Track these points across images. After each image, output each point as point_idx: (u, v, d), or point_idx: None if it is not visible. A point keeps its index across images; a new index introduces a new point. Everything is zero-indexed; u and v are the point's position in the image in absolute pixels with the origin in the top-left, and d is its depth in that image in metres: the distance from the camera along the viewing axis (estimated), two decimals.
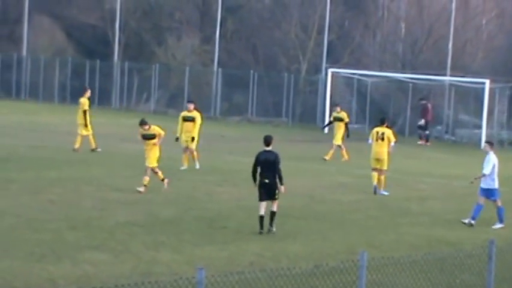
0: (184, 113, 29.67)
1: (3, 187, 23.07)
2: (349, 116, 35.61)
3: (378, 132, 26.43)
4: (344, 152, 33.87)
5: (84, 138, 31.51)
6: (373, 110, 49.94)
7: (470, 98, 49.05)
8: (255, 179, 19.14)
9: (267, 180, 19.11)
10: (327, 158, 33.52)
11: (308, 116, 52.84)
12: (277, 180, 19.12)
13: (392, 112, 50.39)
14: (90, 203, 21.49)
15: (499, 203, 21.80)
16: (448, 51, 50.58)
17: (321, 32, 53.89)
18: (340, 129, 34.19)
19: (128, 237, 17.69)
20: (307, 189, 26.20)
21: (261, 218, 18.96)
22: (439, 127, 49.56)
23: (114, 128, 41.54)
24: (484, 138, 46.35)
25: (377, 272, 12.64)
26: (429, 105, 46.38)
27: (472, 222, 21.43)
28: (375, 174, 26.02)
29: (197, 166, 28.91)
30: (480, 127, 46.60)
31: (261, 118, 52.20)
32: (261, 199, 19.14)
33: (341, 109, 35.36)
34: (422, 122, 45.59)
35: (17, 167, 26.88)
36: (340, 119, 34.46)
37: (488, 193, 21.68)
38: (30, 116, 46.08)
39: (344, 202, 24.13)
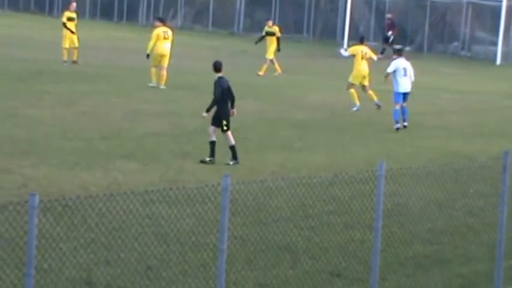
0: (163, 30, 27.51)
1: (38, 98, 23.17)
2: (281, 30, 33.86)
3: (362, 51, 25.71)
4: (276, 66, 32.24)
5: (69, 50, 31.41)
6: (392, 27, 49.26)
7: (487, 15, 48.40)
8: (212, 107, 17.05)
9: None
10: (260, 73, 32.00)
11: (328, 33, 52.39)
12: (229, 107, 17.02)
13: (411, 29, 49.85)
14: (120, 114, 21.56)
15: (404, 104, 22.44)
16: None
17: None
18: (272, 44, 32.65)
19: (156, 146, 17.79)
20: (328, 103, 26.14)
21: (231, 147, 16.81)
22: (455, 43, 49.05)
23: (141, 44, 41.35)
24: (499, 55, 45.92)
25: (394, 182, 12.66)
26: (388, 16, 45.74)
27: (405, 124, 22.04)
28: (354, 91, 24.85)
29: (162, 86, 26.73)
30: (496, 44, 46.07)
31: (282, 35, 51.76)
32: (229, 127, 16.96)
33: (273, 23, 34.11)
34: (389, 33, 44.80)
35: (51, 80, 26.94)
36: (272, 34, 33.03)
37: (406, 97, 22.50)
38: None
39: (363, 116, 24.06)
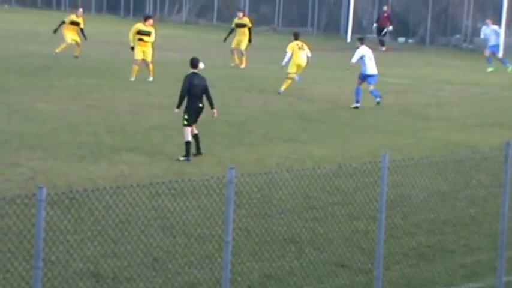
0: (140, 26, 27.16)
1: (46, 93, 23.17)
2: (251, 21, 32.66)
3: (298, 44, 26.46)
4: (243, 58, 31.25)
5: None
6: (394, 20, 49.25)
7: (489, 7, 48.25)
8: (181, 102, 16.92)
9: (201, 105, 17.02)
10: (242, 66, 31.26)
11: (332, 27, 52.34)
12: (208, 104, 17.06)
13: (413, 22, 49.75)
14: (126, 107, 21.55)
15: (372, 87, 24.40)
16: None
17: None
18: (244, 36, 31.39)
19: (162, 139, 17.77)
20: (331, 95, 26.10)
21: (189, 143, 16.61)
22: (458, 36, 48.94)
23: None
24: (502, 47, 45.79)
25: (397, 173, 12.62)
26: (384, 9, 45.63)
27: (357, 105, 23.79)
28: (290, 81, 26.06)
29: (151, 79, 26.59)
30: (499, 35, 45.91)
31: (286, 28, 51.73)
32: (190, 124, 16.83)
33: (244, 15, 32.61)
34: (390, 28, 44.68)
35: (58, 75, 26.93)
36: (243, 25, 31.72)
37: (368, 78, 24.49)
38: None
39: (366, 108, 24.01)
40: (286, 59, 26.33)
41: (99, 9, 56.33)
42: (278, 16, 52.83)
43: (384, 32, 44.39)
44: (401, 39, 49.65)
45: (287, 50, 26.58)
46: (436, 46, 46.44)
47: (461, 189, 14.33)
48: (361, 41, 25.14)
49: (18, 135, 17.34)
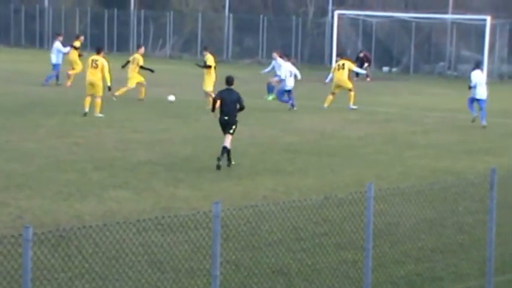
0: (91, 59, 27.10)
1: (32, 131, 23.19)
2: (215, 59, 30.52)
3: (339, 64, 30.89)
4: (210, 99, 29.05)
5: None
6: (378, 49, 49.64)
7: (472, 35, 48.69)
8: (214, 110, 19.61)
9: (226, 118, 19.19)
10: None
11: (316, 58, 52.68)
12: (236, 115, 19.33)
13: (396, 51, 50.09)
14: (112, 144, 21.58)
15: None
16: None
17: None
18: (208, 75, 29.61)
19: (149, 175, 17.79)
20: (317, 126, 26.22)
21: (223, 148, 19.07)
22: (442, 63, 49.30)
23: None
24: (485, 73, 46.11)
25: (385, 202, 12.70)
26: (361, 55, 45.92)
27: (293, 107, 29.77)
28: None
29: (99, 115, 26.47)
30: (482, 62, 46.29)
31: (270, 60, 51.98)
32: (223, 133, 19.48)
33: (209, 52, 30.36)
34: (366, 65, 45.24)
35: (44, 112, 26.97)
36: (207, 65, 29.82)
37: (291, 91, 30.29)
38: None
39: (353, 137, 24.14)
40: (328, 78, 31.53)
41: (83, 47, 56.47)
42: (262, 48, 53.13)
43: (364, 66, 44.80)
44: (385, 69, 50.02)
45: (331, 71, 31.62)
46: (420, 74, 46.79)
47: (449, 217, 14.39)
48: (288, 57, 30.85)
49: (5, 174, 17.34)
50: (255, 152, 21.16)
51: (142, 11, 56.38)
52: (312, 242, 12.72)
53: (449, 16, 49.22)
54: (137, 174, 17.85)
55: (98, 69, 26.89)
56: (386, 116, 29.39)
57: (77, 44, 36.86)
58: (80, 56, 35.97)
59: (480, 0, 51.52)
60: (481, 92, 27.14)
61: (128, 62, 31.58)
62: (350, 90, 30.77)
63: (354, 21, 51.11)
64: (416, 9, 50.17)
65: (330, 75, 31.38)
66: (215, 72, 29.64)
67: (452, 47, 49.46)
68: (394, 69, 49.71)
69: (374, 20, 50.35)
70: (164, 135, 23.42)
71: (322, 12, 53.96)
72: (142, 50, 32.57)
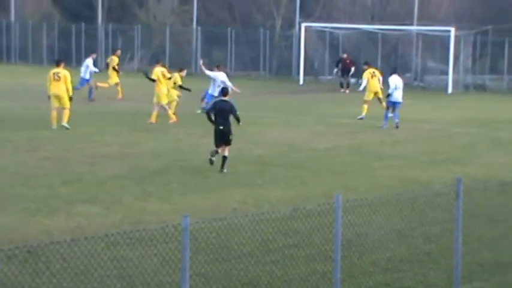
0: (53, 72, 26.92)
1: (0, 146, 22.99)
2: (168, 72, 30.00)
3: (370, 72, 32.12)
4: (155, 113, 28.78)
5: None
6: (345, 61, 49.77)
7: (437, 46, 49.07)
8: (211, 120, 20.25)
9: (221, 127, 20.03)
10: (152, 121, 28.79)
11: (284, 69, 52.82)
12: (232, 125, 20.17)
13: (364, 62, 50.28)
14: (81, 158, 21.45)
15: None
16: (414, 1, 50.43)
17: None
18: (158, 86, 29.09)
19: (118, 189, 17.70)
20: (286, 138, 26.24)
21: (211, 161, 20.08)
22: (408, 74, 49.60)
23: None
24: (450, 84, 46.51)
25: (353, 213, 12.73)
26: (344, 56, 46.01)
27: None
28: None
29: (65, 124, 26.50)
30: (447, 73, 46.69)
31: (239, 72, 52.07)
32: (217, 145, 20.12)
33: (162, 65, 30.19)
34: (336, 70, 45.34)
35: (12, 127, 26.76)
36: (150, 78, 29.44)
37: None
38: (22, 78, 45.76)
39: (320, 149, 24.19)
40: (363, 86, 32.20)
41: (51, 61, 56.23)
42: (230, 61, 53.17)
43: (350, 73, 44.88)
44: (353, 80, 50.15)
45: (364, 77, 32.40)
46: (387, 85, 46.92)
47: (417, 226, 14.44)
48: (218, 67, 31.10)
49: None
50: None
51: (110, 25, 56.23)
52: (282, 254, 12.71)
53: (414, 28, 49.58)
54: (106, 188, 17.75)
55: (61, 81, 26.86)
56: (354, 127, 29.49)
57: (115, 59, 37.81)
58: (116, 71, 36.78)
59: (445, 12, 51.96)
60: (398, 96, 29.53)
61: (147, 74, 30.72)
62: (380, 98, 31.75)
63: (320, 33, 51.31)
64: (382, 21, 50.48)
65: (364, 82, 32.13)
66: (179, 82, 29.91)
67: (418, 58, 49.81)
68: (361, 81, 49.94)
69: (341, 32, 50.59)
70: (133, 148, 23.33)
71: (290, 24, 54.14)
72: (160, 65, 31.05)
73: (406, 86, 47.40)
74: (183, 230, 8.31)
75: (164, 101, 29.08)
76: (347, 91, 44.24)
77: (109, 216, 15.21)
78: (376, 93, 31.97)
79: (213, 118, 20.14)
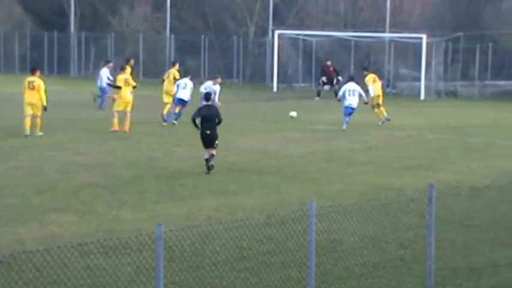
0: (28, 80, 26.88)
1: None
2: (134, 79, 29.83)
3: (373, 77, 33.17)
4: (116, 120, 28.52)
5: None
6: (318, 68, 49.98)
7: (409, 53, 49.36)
8: (196, 126, 20.80)
9: (208, 132, 20.70)
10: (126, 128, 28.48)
11: (258, 77, 52.89)
12: (217, 128, 20.86)
13: (337, 69, 50.46)
14: (54, 167, 21.34)
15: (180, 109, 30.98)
16: (386, 9, 50.71)
17: None
18: (127, 93, 28.89)
19: (92, 198, 17.62)
20: (259, 145, 26.26)
21: (206, 160, 20.82)
22: (380, 81, 49.80)
23: (73, 96, 41.19)
24: (423, 90, 46.78)
25: (327, 220, 12.75)
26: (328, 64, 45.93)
27: (175, 122, 30.66)
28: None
29: (39, 133, 26.65)
30: (419, 80, 46.97)
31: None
32: (205, 147, 20.91)
33: (125, 71, 29.89)
34: (324, 78, 45.44)
35: None
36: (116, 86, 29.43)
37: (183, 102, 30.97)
38: None
39: (294, 156, 24.23)
40: (371, 91, 33.04)
41: (23, 70, 55.98)
42: (204, 69, 53.15)
43: (335, 82, 44.86)
44: (326, 87, 50.27)
45: (369, 83, 33.31)
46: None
47: (390, 232, 14.49)
48: (187, 75, 31.75)
49: None
50: (199, 172, 21.11)
51: (83, 33, 56.05)
52: (256, 261, 12.70)
53: (387, 35, 49.83)
54: (80, 197, 17.66)
55: (36, 90, 26.80)
56: (327, 133, 29.57)
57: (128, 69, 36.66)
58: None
59: (416, 19, 52.28)
60: (352, 101, 30.67)
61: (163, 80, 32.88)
62: (379, 103, 33.25)
63: (294, 40, 51.44)
64: (355, 28, 50.71)
65: (371, 88, 33.28)
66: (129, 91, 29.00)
67: (390, 65, 50.07)
68: (334, 88, 50.07)
69: (314, 39, 50.74)
70: (107, 157, 23.24)
71: (263, 32, 54.24)
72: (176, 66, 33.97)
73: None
74: (157, 238, 8.29)
75: (129, 108, 28.70)
76: (316, 98, 44.13)
77: (83, 225, 15.14)
78: (378, 97, 33.38)
79: (198, 124, 20.69)
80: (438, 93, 48.79)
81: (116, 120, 28.50)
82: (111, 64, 37.58)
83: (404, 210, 14.46)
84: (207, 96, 21.39)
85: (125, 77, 29.34)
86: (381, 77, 34.75)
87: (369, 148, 26.29)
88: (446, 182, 19.62)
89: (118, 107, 28.78)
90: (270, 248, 13.30)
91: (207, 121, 20.60)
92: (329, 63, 45.92)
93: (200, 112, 20.78)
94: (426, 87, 47.17)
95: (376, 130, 30.80)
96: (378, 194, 18.02)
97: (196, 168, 21.59)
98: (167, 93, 32.16)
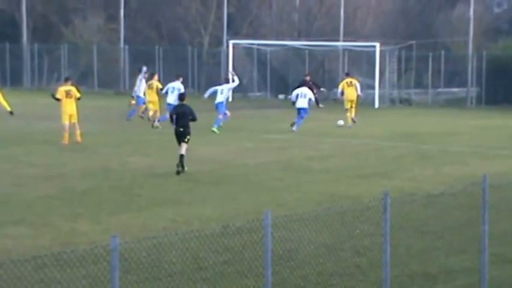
0: None
1: None
2: (79, 90, 29.16)
3: (347, 82, 35.40)
4: (66, 134, 28.22)
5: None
6: (273, 77, 50.15)
7: (363, 61, 49.72)
8: (172, 122, 22.64)
9: (181, 129, 22.41)
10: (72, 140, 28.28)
11: (212, 86, 52.79)
12: (189, 127, 22.43)
13: (292, 78, 50.67)
14: (8, 180, 21.11)
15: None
16: (340, 17, 51.03)
17: (220, 5, 53.76)
18: (70, 105, 28.31)
19: (47, 210, 17.46)
20: (215, 155, 26.23)
21: (181, 156, 22.18)
22: (335, 89, 50.08)
23: (27, 108, 40.80)
24: (377, 98, 47.11)
25: (284, 229, 12.76)
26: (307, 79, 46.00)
27: (157, 124, 32.81)
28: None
29: None
30: (373, 87, 47.30)
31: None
32: (178, 143, 22.50)
33: (71, 83, 29.30)
34: (322, 89, 45.60)
35: None
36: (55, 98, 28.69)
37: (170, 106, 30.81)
38: None
39: (251, 165, 24.24)
40: (338, 95, 36.21)
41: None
42: (159, 78, 52.94)
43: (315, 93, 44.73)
44: (281, 96, 50.51)
45: (340, 87, 35.70)
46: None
47: (346, 240, 14.55)
48: (179, 77, 33.55)
49: None
50: (155, 182, 21.03)
51: (36, 45, 55.60)
52: (213, 271, 12.68)
53: (340, 44, 50.14)
54: (34, 209, 17.49)
55: None
56: (282, 143, 29.64)
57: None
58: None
59: (369, 28, 52.69)
60: (302, 103, 33.26)
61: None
62: (354, 107, 35.47)
63: (248, 50, 51.52)
64: (309, 37, 50.95)
65: (340, 90, 36.08)
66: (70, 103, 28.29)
67: (344, 74, 50.34)
68: (289, 97, 50.29)
69: (268, 49, 50.88)
70: (62, 169, 23.05)
71: (217, 42, 54.27)
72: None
73: (334, 101, 48.06)
74: (112, 250, 8.23)
75: (74, 119, 28.21)
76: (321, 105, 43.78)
77: (38, 238, 14.99)
78: (352, 102, 35.45)
79: (174, 120, 22.43)
80: (392, 101, 49.20)
81: (66, 134, 28.23)
82: (181, 78, 35.63)
83: (360, 218, 14.53)
84: (181, 96, 23.41)
85: (65, 88, 28.75)
86: (355, 83, 36.16)
87: (325, 156, 26.39)
88: (401, 190, 19.76)
89: (64, 120, 28.37)
90: (226, 258, 13.28)
91: (181, 119, 22.30)
92: (308, 78, 45.95)
93: (175, 110, 22.82)
94: (380, 95, 47.53)
95: (331, 138, 30.94)
96: (334, 203, 18.08)
97: (151, 179, 21.51)
98: (151, 102, 34.02)
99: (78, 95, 28.71)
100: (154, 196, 19.24)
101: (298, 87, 46.69)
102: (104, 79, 54.45)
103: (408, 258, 13.65)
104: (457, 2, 53.85)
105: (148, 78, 36.13)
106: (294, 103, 33.56)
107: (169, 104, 31.97)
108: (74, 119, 28.31)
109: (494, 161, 25.73)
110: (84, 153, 26.17)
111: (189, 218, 16.89)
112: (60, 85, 29.82)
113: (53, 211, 17.39)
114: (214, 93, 33.49)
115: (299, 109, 33.19)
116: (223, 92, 33.45)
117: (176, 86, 32.93)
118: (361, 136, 31.99)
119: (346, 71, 49.85)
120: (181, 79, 33.80)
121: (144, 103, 35.35)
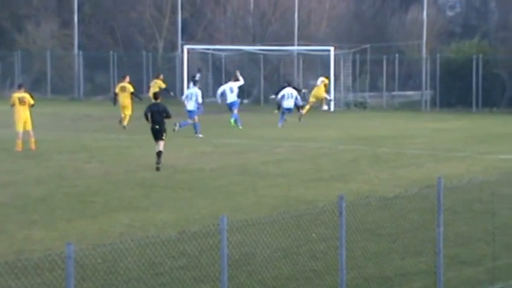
0: None
1: None
2: (33, 97, 28.81)
3: (18, 98, 28.03)
4: (19, 140, 27.78)
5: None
6: (228, 82, 50.10)
7: (318, 65, 49.93)
8: (147, 120, 23.98)
9: (157, 127, 23.83)
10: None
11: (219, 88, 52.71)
12: (164, 125, 23.92)
13: (247, 83, 50.74)
14: None
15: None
16: (294, 22, 51.22)
17: (174, 10, 53.67)
18: (24, 112, 27.97)
19: (1, 218, 17.28)
20: (170, 160, 26.14)
21: (158, 153, 23.64)
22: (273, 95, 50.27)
23: None
24: (332, 102, 47.30)
25: (240, 233, 12.75)
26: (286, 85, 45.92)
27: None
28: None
29: None
30: (328, 91, 47.52)
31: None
32: (155, 140, 23.98)
33: (25, 90, 28.97)
34: (304, 91, 45.87)
35: None
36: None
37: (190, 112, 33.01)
38: None
39: (206, 170, 24.21)
40: (279, 97, 37.51)
41: None
42: (113, 85, 52.72)
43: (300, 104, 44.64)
44: (245, 101, 50.43)
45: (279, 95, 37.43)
46: (270, 105, 47.40)
47: (302, 244, 14.60)
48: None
49: None
50: (110, 188, 20.92)
51: None
52: (169, 277, 12.64)
53: (295, 48, 50.32)
54: None
55: None
56: (238, 147, 29.64)
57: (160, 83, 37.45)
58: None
59: (324, 32, 52.95)
60: (288, 103, 36.33)
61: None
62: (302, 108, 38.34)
63: (203, 55, 51.51)
64: (263, 41, 51.05)
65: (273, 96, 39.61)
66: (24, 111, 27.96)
67: (299, 78, 50.55)
68: (245, 101, 50.31)
69: (223, 54, 50.92)
70: (16, 176, 22.82)
71: (172, 47, 54.17)
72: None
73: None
74: (67, 258, 8.17)
75: (28, 127, 27.85)
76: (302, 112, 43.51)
77: None
78: (313, 96, 40.75)
79: (149, 118, 23.74)
80: (347, 105, 49.48)
81: (19, 141, 27.93)
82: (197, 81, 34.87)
83: (317, 222, 14.59)
84: (156, 95, 24.77)
85: (18, 95, 28.37)
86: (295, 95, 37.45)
87: (281, 160, 26.44)
88: (357, 193, 19.87)
89: (18, 127, 28.03)
90: (182, 263, 13.25)
91: (156, 117, 23.67)
92: (286, 84, 45.91)
93: (150, 108, 23.95)
94: (336, 99, 47.75)
95: (287, 142, 31.01)
96: (290, 207, 18.13)
97: (107, 185, 21.39)
98: (124, 107, 35.03)
99: (31, 101, 28.42)
100: (110, 202, 19.14)
101: (276, 94, 47.05)
102: (58, 85, 54.05)
103: (364, 261, 13.73)
104: (411, 5, 54.33)
105: (120, 80, 36.45)
106: (279, 106, 36.67)
107: (187, 111, 32.87)
108: (29, 127, 28.01)
109: (449, 163, 25.98)
110: (38, 160, 25.94)
111: (145, 223, 16.82)
112: (14, 92, 29.49)
113: (7, 218, 17.22)
114: (223, 94, 35.49)
115: (286, 109, 36.31)
116: (233, 91, 35.26)
117: (194, 93, 33.20)
118: (317, 139, 32.11)
119: (300, 75, 50.09)
120: (197, 85, 33.82)
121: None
